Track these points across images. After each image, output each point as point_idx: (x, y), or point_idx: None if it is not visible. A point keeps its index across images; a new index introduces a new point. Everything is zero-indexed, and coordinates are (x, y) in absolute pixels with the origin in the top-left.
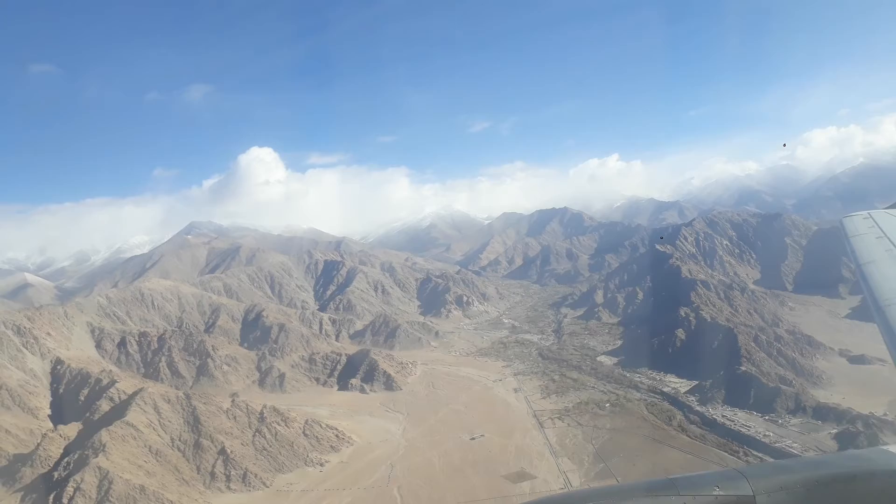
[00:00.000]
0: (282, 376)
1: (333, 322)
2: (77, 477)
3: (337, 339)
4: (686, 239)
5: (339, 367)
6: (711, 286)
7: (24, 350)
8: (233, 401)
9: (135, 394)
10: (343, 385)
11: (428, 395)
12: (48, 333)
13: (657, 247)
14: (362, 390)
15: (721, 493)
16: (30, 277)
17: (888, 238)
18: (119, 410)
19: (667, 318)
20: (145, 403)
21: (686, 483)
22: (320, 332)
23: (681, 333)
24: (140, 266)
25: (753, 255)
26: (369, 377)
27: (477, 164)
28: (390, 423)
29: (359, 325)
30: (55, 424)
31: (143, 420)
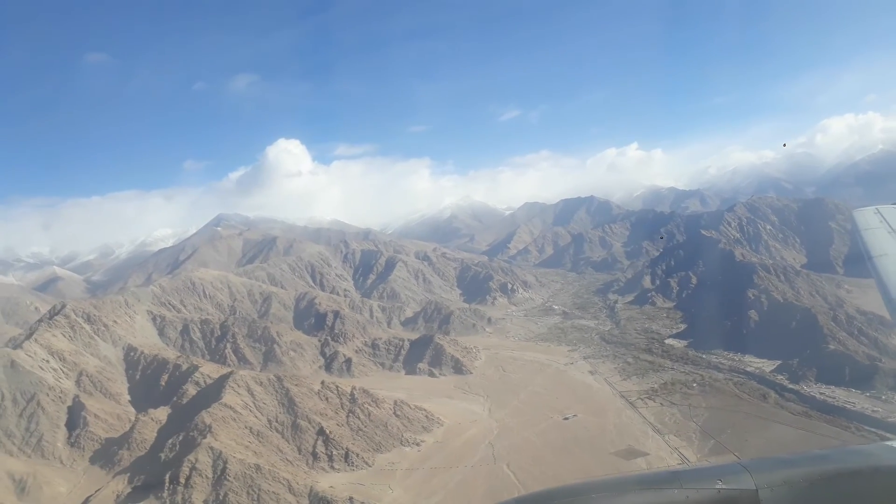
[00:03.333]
0: (348, 361)
1: (383, 309)
2: (191, 457)
3: (388, 326)
4: (730, 224)
5: (402, 353)
6: (771, 269)
7: (97, 337)
8: (322, 383)
9: (224, 377)
10: (410, 369)
11: (501, 379)
12: (114, 321)
13: (702, 232)
14: (431, 374)
15: (724, 486)
16: (59, 271)
17: None
18: (208, 394)
19: (732, 300)
20: (238, 386)
21: (688, 476)
22: (371, 318)
23: (754, 315)
24: (173, 258)
25: (797, 240)
26: (436, 361)
27: (502, 154)
28: (472, 404)
29: (409, 313)
30: (136, 409)
31: (239, 402)
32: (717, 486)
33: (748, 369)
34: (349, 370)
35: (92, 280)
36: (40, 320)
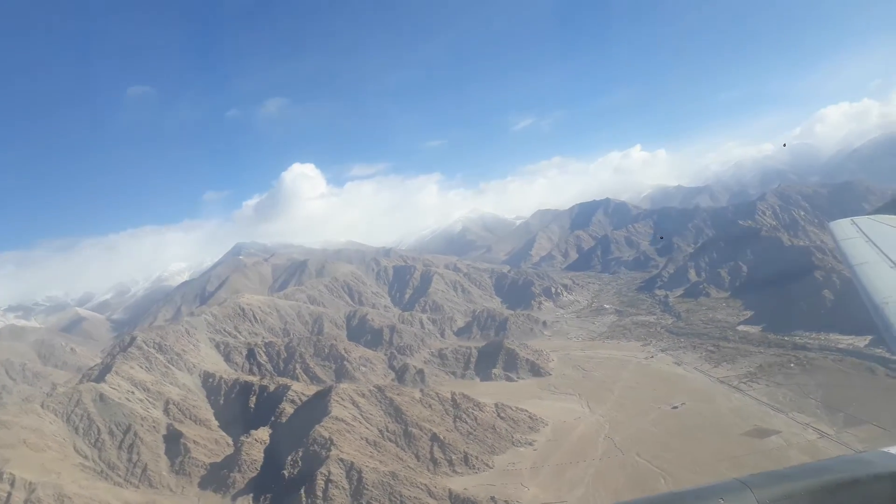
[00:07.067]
0: (420, 372)
1: (433, 322)
2: (323, 470)
3: (442, 337)
4: (764, 213)
5: (472, 360)
6: (826, 251)
7: (171, 367)
8: (422, 391)
9: (322, 393)
10: (485, 376)
11: (584, 377)
12: (183, 350)
13: (740, 223)
14: (508, 378)
15: None
16: (82, 312)
17: (874, 243)
18: (309, 411)
19: (795, 283)
20: (342, 399)
21: (689, 496)
22: (423, 330)
23: (828, 294)
24: (199, 289)
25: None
26: (511, 366)
27: (513, 164)
28: (567, 403)
29: (459, 323)
30: (228, 433)
31: (348, 414)
32: None
33: (840, 346)
34: (423, 381)
35: (114, 319)
36: (112, 353)
